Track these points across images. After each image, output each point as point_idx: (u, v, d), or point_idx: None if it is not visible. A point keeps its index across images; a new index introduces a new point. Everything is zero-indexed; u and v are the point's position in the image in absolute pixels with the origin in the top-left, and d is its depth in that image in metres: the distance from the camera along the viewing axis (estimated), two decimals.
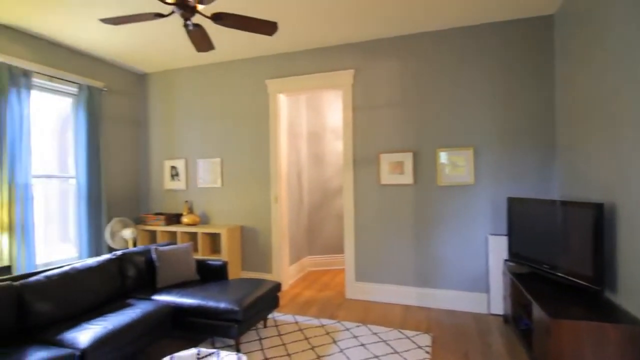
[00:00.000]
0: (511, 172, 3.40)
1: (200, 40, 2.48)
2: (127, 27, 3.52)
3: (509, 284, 3.02)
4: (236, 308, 2.58)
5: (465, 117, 3.54)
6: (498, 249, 3.35)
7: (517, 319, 2.81)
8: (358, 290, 3.92)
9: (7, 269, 3.05)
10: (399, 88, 3.74)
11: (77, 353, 2.00)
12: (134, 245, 4.34)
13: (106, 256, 2.93)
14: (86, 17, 3.28)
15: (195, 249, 4.38)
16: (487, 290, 3.47)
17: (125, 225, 4.24)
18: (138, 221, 4.69)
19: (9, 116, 3.35)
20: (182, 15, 1.99)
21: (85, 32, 3.60)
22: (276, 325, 3.21)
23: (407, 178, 3.70)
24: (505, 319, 3.22)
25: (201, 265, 3.39)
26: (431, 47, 3.64)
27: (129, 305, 2.62)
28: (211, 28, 3.50)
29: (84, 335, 2.13)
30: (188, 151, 4.68)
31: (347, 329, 3.11)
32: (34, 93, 3.68)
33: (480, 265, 3.50)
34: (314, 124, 5.30)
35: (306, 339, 2.94)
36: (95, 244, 4.12)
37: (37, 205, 3.72)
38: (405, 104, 3.72)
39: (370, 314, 3.53)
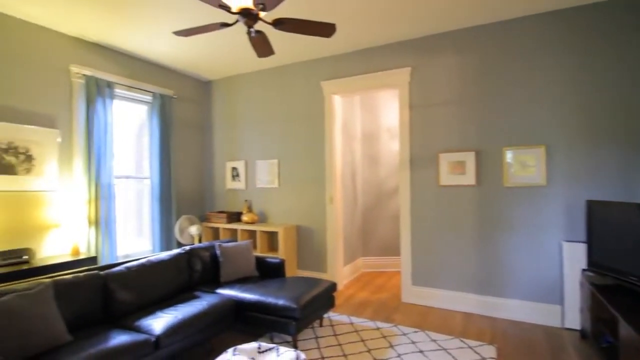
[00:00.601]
0: (590, 172, 3.07)
1: (262, 46, 2.58)
2: (193, 38, 3.78)
3: (588, 296, 2.72)
4: (294, 305, 2.64)
5: (536, 112, 3.26)
6: (574, 257, 3.04)
7: (597, 336, 2.53)
8: (414, 294, 3.80)
9: (94, 259, 3.43)
10: (460, 84, 3.57)
11: (152, 339, 2.19)
12: (200, 241, 4.64)
13: (176, 251, 3.17)
14: (159, 31, 3.58)
15: (254, 246, 4.57)
16: (560, 301, 3.17)
17: (192, 223, 4.56)
18: (203, 219, 5.02)
19: (95, 123, 3.77)
20: (246, 23, 2.09)
21: (158, 45, 3.94)
22: (332, 325, 3.23)
23: (469, 178, 3.51)
24: (583, 334, 2.91)
25: (260, 262, 3.53)
26: (494, 39, 3.42)
27: (196, 297, 2.81)
28: (270, 34, 3.63)
29: (158, 322, 2.32)
30: (248, 153, 4.90)
31: (404, 334, 3.03)
32: (115, 102, 4.10)
33: (553, 274, 3.20)
34: (369, 124, 5.25)
35: (362, 340, 2.91)
36: (166, 238, 4.48)
37: (117, 203, 4.14)
38: (467, 101, 3.53)
39: (428, 319, 3.40)
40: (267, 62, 4.52)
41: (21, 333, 1.83)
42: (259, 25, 3.36)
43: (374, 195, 5.24)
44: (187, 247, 3.28)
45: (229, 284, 3.16)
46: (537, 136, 3.26)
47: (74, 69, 3.68)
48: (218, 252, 3.32)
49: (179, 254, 3.12)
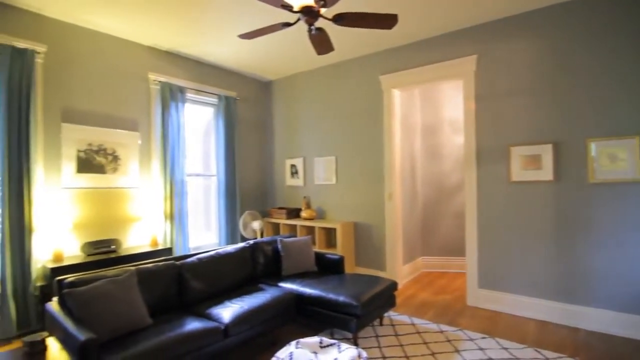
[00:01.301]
0: None
1: (322, 43, 2.59)
2: (254, 40, 3.92)
3: None
4: (355, 303, 2.63)
5: (626, 99, 2.85)
6: None
7: None
8: (481, 298, 3.57)
9: (169, 250, 3.75)
10: (535, 70, 3.25)
11: (222, 327, 2.33)
12: (262, 235, 4.84)
13: (241, 244, 3.33)
14: (223, 36, 3.78)
15: (313, 242, 4.64)
16: None
17: (255, 218, 4.77)
18: (264, 214, 5.22)
19: (169, 125, 4.09)
20: (307, 21, 2.11)
21: (222, 49, 4.16)
22: (392, 325, 3.16)
23: (546, 174, 3.19)
24: None
25: (319, 258, 3.57)
26: (577, 18, 3.04)
27: (260, 289, 2.93)
28: (328, 30, 3.63)
29: (227, 312, 2.46)
30: (306, 150, 4.98)
31: (471, 339, 2.86)
32: (186, 105, 4.41)
33: None
34: (430, 117, 5.03)
35: (425, 343, 2.81)
36: (231, 233, 4.74)
37: (189, 199, 4.47)
38: (543, 88, 3.21)
39: (497, 325, 3.17)
40: (325, 59, 4.54)
41: (112, 315, 2.06)
42: (319, 22, 3.38)
43: (435, 191, 5.02)
44: (251, 241, 3.43)
45: (290, 277, 3.25)
46: (629, 126, 2.85)
47: (151, 76, 4.03)
48: (279, 246, 3.43)
49: (244, 248, 3.27)
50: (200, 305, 2.64)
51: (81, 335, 1.77)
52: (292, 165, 5.11)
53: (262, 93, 5.44)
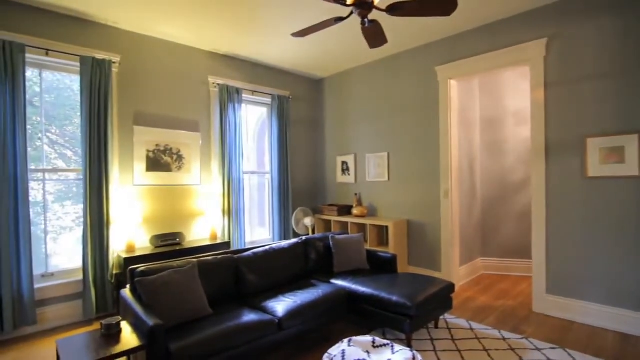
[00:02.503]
0: None
1: (375, 36, 2.53)
2: (306, 39, 3.96)
3: None
4: (409, 303, 2.55)
5: None
6: None
7: None
8: (550, 305, 3.27)
9: (227, 244, 3.94)
10: (615, 51, 2.88)
11: (276, 320, 2.39)
12: (313, 232, 4.90)
13: (294, 240, 3.39)
14: (276, 35, 3.86)
15: (364, 240, 4.59)
16: None
17: (306, 214, 4.84)
18: (316, 211, 5.27)
19: (227, 125, 4.29)
20: (360, 14, 2.07)
21: (275, 50, 4.26)
22: (448, 328, 3.02)
23: (631, 168, 2.82)
24: None
25: (371, 256, 3.52)
26: None
27: (312, 285, 2.97)
28: (381, 21, 3.55)
29: (280, 306, 2.52)
30: (357, 147, 4.93)
31: (539, 349, 2.63)
32: (242, 106, 4.60)
33: None
34: (490, 108, 4.70)
35: (485, 350, 2.64)
36: (284, 228, 4.86)
37: (245, 195, 4.66)
38: (626, 71, 2.83)
39: (568, 335, 2.88)
40: (376, 53, 4.45)
41: (177, 303, 2.21)
42: (372, 15, 3.31)
43: (496, 189, 4.69)
44: (304, 237, 3.48)
45: (342, 274, 3.24)
46: None
47: (211, 79, 4.26)
48: (331, 243, 3.44)
49: (297, 243, 3.33)
50: (255, 298, 2.73)
51: (150, 321, 1.92)
52: (343, 162, 5.09)
53: (314, 91, 5.49)
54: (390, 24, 3.57)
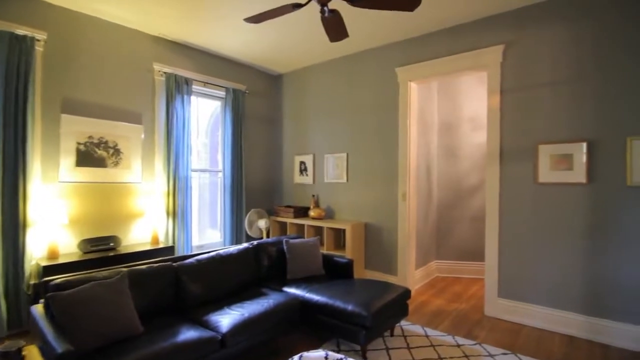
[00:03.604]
0: None
1: (335, 28, 2.36)
2: (264, 31, 3.71)
3: None
4: (364, 313, 2.41)
5: None
6: None
7: None
8: (501, 308, 3.30)
9: (171, 249, 3.59)
10: (569, 61, 2.95)
11: (219, 337, 2.13)
12: (268, 235, 4.65)
13: (244, 245, 3.14)
14: (231, 25, 3.58)
15: (320, 243, 4.43)
16: None
17: (261, 216, 4.58)
18: (271, 212, 5.02)
19: (174, 119, 3.92)
20: (319, 1, 1.89)
21: (230, 40, 3.96)
22: (404, 336, 2.93)
23: (578, 175, 2.90)
24: None
25: (327, 261, 3.36)
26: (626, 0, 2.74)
27: (263, 294, 2.74)
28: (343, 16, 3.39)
29: (225, 319, 2.27)
30: (316, 146, 4.76)
31: (492, 355, 2.61)
32: (192, 98, 4.24)
33: None
34: (448, 113, 4.75)
35: (440, 359, 2.57)
36: (236, 231, 4.56)
37: (193, 195, 4.31)
38: (578, 81, 2.91)
39: (519, 339, 2.91)
40: (337, 51, 4.30)
41: (98, 321, 1.88)
42: (332, 4, 3.14)
43: (451, 193, 4.74)
44: (255, 242, 3.24)
45: (296, 282, 3.04)
46: None
47: (156, 66, 3.87)
48: (285, 247, 3.23)
49: (247, 249, 3.08)
50: (198, 311, 2.45)
51: (59, 347, 1.60)
52: (301, 162, 4.90)
53: (272, 87, 5.24)
54: (352, 20, 3.44)
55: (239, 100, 4.61)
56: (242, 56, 4.52)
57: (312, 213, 4.43)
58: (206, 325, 2.27)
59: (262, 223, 4.44)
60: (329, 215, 4.59)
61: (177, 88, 3.96)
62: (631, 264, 2.71)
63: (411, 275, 3.99)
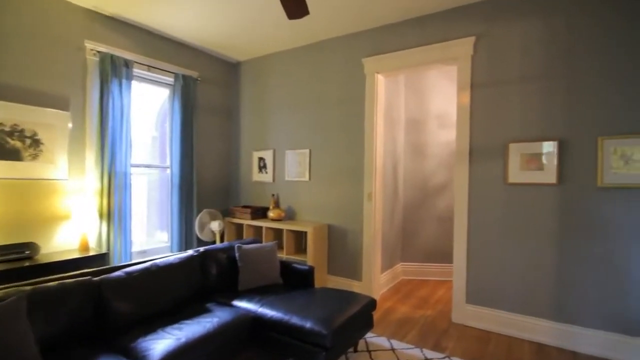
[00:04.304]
0: None
1: (294, 3, 2.02)
2: (221, 13, 3.29)
3: None
4: (324, 331, 2.10)
5: None
6: None
7: None
8: (469, 315, 3.14)
9: (104, 256, 3.08)
10: (542, 55, 2.81)
11: None
12: (221, 238, 4.22)
13: (189, 252, 2.72)
14: (182, 3, 3.13)
15: (280, 246, 4.09)
16: None
17: (214, 217, 4.14)
18: (226, 213, 4.59)
19: (110, 106, 3.40)
20: None
21: (182, 20, 3.49)
22: (369, 351, 2.66)
23: (549, 176, 2.77)
24: None
25: (285, 268, 3.02)
26: None
27: (207, 311, 2.34)
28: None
29: (158, 346, 1.87)
30: (276, 142, 4.39)
31: None
32: (134, 84, 3.72)
33: None
34: (414, 109, 4.56)
35: None
36: (186, 234, 4.09)
37: (136, 194, 3.80)
38: (550, 77, 2.78)
39: (488, 348, 2.74)
40: (300, 39, 3.96)
41: None
42: None
43: (418, 192, 4.57)
44: (202, 249, 2.83)
45: (248, 293, 2.68)
46: None
47: (89, 45, 3.32)
48: (237, 254, 2.85)
49: (191, 257, 2.67)
50: (125, 336, 2.02)
51: None
52: (260, 159, 4.51)
53: (229, 75, 4.80)
54: (316, 9, 3.11)
55: (189, 88, 4.13)
56: (193, 39, 4.05)
57: (271, 214, 4.07)
58: (133, 355, 1.85)
59: (215, 225, 4.01)
60: (290, 216, 4.25)
61: (115, 70, 3.43)
62: (598, 268, 2.61)
63: (376, 280, 3.75)
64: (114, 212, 3.41)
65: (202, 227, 4.04)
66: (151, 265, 2.40)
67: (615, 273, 2.57)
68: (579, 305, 2.69)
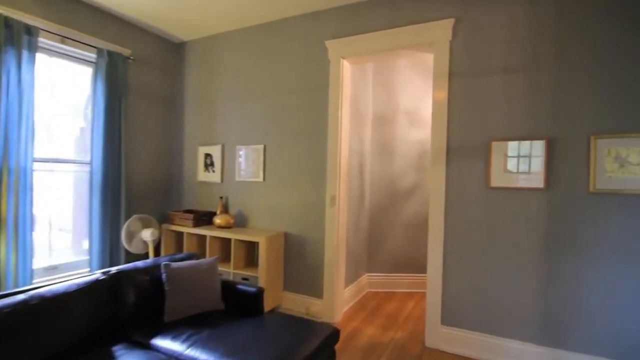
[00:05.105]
0: None
1: None
2: None
3: None
4: None
5: None
6: None
7: None
8: (444, 338, 2.73)
9: None
10: (529, 43, 2.47)
11: None
12: (157, 250, 3.54)
13: (95, 275, 2.06)
14: None
15: (227, 258, 3.48)
16: None
17: (147, 225, 3.44)
18: (164, 219, 3.90)
19: (4, 82, 2.63)
20: None
21: None
22: None
23: (536, 179, 2.43)
24: None
25: (229, 290, 2.43)
26: None
27: (110, 359, 1.71)
28: None
29: None
30: (226, 136, 3.78)
31: None
32: (41, 57, 2.96)
33: None
34: (382, 103, 4.14)
35: None
36: (111, 246, 3.36)
37: (42, 196, 3.03)
38: (538, 67, 2.44)
39: None
40: (256, 16, 3.39)
41: None
42: None
43: (386, 195, 4.15)
44: (113, 269, 2.17)
45: (177, 326, 2.07)
46: None
47: None
48: (164, 275, 2.22)
49: (97, 281, 2.00)
50: None
51: None
52: (207, 155, 3.87)
53: (171, 57, 4.10)
54: None
55: (117, 68, 3.41)
56: (125, 9, 3.34)
57: (217, 220, 3.45)
58: None
59: (148, 234, 3.32)
60: (240, 222, 3.65)
61: (11, 38, 2.67)
62: (593, 285, 2.30)
63: (340, 296, 3.26)
64: (7, 220, 2.64)
65: (131, 236, 3.32)
66: (31, 297, 1.72)
67: (610, 292, 2.26)
68: (571, 328, 2.36)
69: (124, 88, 3.47)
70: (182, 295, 2.22)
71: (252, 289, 2.37)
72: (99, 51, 3.30)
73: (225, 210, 3.65)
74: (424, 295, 4.02)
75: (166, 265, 2.24)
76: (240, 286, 2.42)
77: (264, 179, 3.52)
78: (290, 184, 3.39)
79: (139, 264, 2.29)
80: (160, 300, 2.24)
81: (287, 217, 3.41)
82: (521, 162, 2.46)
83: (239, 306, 2.39)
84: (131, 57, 3.59)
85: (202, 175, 3.89)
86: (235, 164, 3.69)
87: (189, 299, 2.24)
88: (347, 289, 3.59)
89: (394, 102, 4.12)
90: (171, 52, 4.09)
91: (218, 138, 3.82)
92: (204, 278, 2.34)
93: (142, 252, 3.40)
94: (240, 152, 3.64)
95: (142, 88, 3.79)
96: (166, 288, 2.20)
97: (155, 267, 2.30)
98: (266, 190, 3.52)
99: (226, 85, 3.78)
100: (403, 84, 4.11)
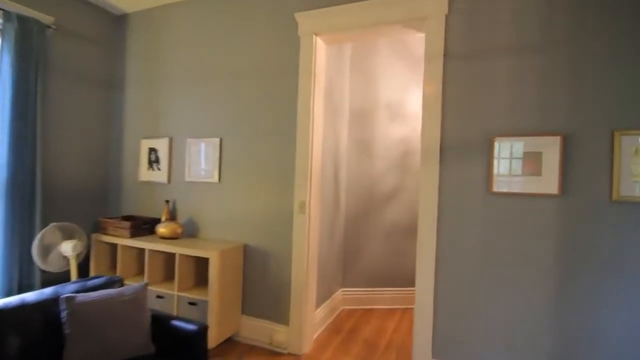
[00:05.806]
0: None
1: None
2: None
3: None
4: None
5: None
6: None
7: None
8: None
9: None
10: (540, 19, 2.05)
11: None
12: (82, 268, 2.84)
13: None
14: None
15: (171, 277, 2.86)
16: None
17: (69, 235, 2.74)
18: (95, 228, 3.20)
19: None
20: None
21: None
22: None
23: (548, 183, 2.00)
24: None
25: (162, 326, 1.83)
26: None
27: None
28: None
29: None
30: (174, 127, 3.14)
31: None
32: None
33: None
34: (361, 94, 3.65)
35: None
36: (20, 265, 2.64)
37: None
38: (551, 49, 2.02)
39: None
40: None
41: None
42: None
43: (364, 200, 3.66)
44: None
45: None
46: None
47: None
48: (65, 313, 1.60)
49: None
50: None
51: None
52: (152, 150, 3.21)
53: (110, 31, 3.41)
54: None
55: (32, 38, 2.70)
56: None
57: (161, 229, 2.82)
58: None
59: (69, 247, 2.62)
60: (191, 232, 3.03)
61: None
62: (616, 312, 1.90)
63: (309, 320, 2.72)
64: None
65: (47, 250, 2.62)
66: None
67: (637, 320, 1.86)
68: (591, 357, 1.95)
69: (41, 65, 2.76)
70: (91, 339, 1.61)
71: (192, 327, 1.78)
72: (5, 14, 2.58)
73: (172, 217, 3.01)
74: (405, 311, 3.57)
75: (68, 300, 1.61)
76: (176, 322, 1.82)
77: (219, 179, 2.92)
78: (251, 186, 2.81)
79: (29, 296, 1.64)
80: (59, 349, 1.61)
81: (247, 226, 2.83)
82: (531, 162, 2.03)
83: (174, 348, 1.79)
84: (53, 26, 2.88)
85: (145, 174, 3.23)
86: (185, 161, 3.06)
87: (102, 344, 1.62)
88: (319, 309, 3.06)
89: (374, 94, 3.64)
90: (109, 25, 3.39)
91: (165, 129, 3.18)
92: (126, 313, 1.73)
93: (62, 270, 2.70)
94: (192, 147, 3.02)
95: (71, 67, 3.08)
96: (66, 331, 1.58)
97: (52, 301, 1.66)
98: (222, 193, 2.92)
99: (176, 66, 3.14)
100: (385, 73, 3.64)
